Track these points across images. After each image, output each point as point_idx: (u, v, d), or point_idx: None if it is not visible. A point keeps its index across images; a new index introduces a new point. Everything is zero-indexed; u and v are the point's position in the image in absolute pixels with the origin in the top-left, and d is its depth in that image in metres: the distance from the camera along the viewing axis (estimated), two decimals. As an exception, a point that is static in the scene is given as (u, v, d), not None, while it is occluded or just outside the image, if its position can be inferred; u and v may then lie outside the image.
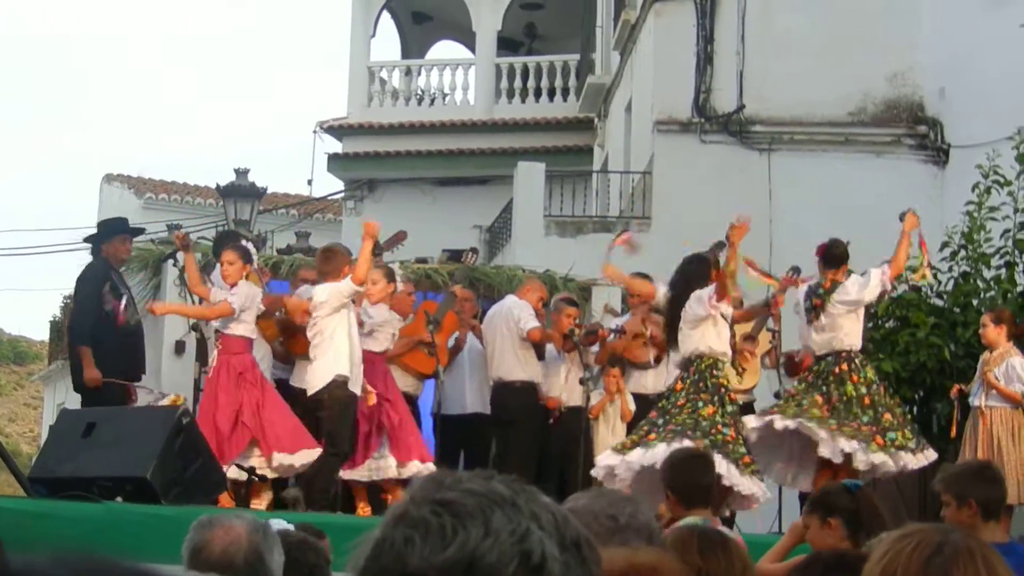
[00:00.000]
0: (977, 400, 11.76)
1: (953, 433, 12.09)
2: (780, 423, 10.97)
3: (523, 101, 27.24)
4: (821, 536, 6.12)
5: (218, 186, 20.66)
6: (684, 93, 19.25)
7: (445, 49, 30.69)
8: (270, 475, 10.81)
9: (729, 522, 10.82)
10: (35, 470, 9.54)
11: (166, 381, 13.75)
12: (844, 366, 11.24)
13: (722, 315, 10.97)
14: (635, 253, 12.19)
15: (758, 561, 6.25)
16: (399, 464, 11.16)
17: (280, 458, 10.60)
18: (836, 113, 19.07)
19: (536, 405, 12.75)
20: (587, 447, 12.26)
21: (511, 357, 12.65)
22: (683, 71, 19.28)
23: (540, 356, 12.87)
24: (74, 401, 13.13)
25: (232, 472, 10.46)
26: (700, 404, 10.77)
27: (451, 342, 13.04)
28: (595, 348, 12.91)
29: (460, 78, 27.96)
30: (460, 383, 12.99)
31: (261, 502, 10.70)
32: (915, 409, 13.91)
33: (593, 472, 10.88)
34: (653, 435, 10.62)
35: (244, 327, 10.91)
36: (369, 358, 11.07)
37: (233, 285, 10.92)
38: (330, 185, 32.56)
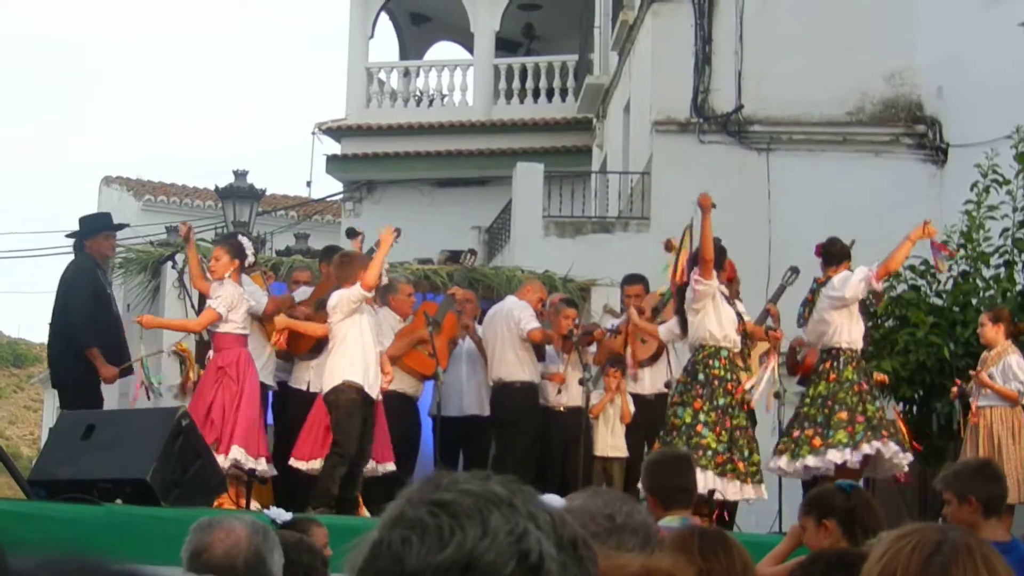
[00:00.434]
0: (975, 400, 11.77)
1: (962, 433, 12.09)
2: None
3: (521, 102, 27.24)
4: (818, 538, 6.11)
5: (217, 188, 20.66)
6: (682, 93, 19.25)
7: (443, 50, 30.69)
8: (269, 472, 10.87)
9: (728, 524, 10.86)
10: (35, 472, 9.53)
11: (165, 382, 13.73)
12: (828, 364, 11.33)
13: (722, 295, 11.06)
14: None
15: (757, 564, 6.25)
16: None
17: (236, 452, 10.61)
18: (834, 113, 19.06)
19: (536, 406, 12.76)
20: (587, 447, 12.27)
21: (511, 358, 12.66)
22: (681, 71, 19.27)
23: (540, 357, 12.88)
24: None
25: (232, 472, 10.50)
26: (680, 410, 10.96)
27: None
28: (593, 348, 12.93)
29: (458, 79, 27.96)
30: (458, 384, 12.99)
31: (260, 503, 10.72)
32: (915, 408, 13.92)
33: None
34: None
35: (232, 325, 10.96)
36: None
37: (220, 280, 11.00)
38: (329, 186, 32.62)
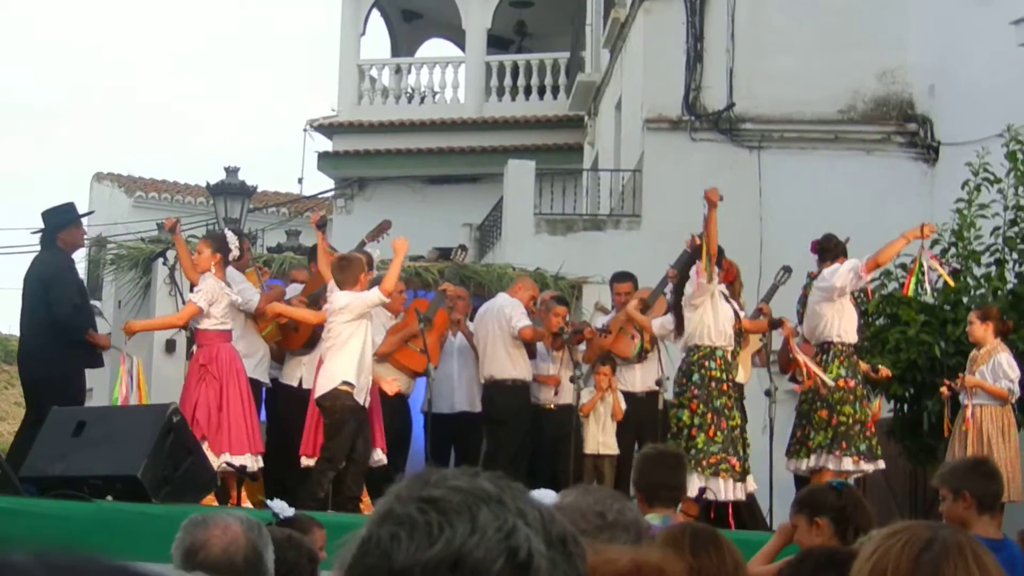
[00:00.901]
0: (965, 398, 11.78)
1: (946, 431, 12.10)
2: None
3: (513, 99, 27.23)
4: (809, 536, 6.12)
5: (208, 184, 20.65)
6: (674, 91, 19.25)
7: (435, 47, 30.69)
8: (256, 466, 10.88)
9: (726, 523, 10.86)
10: (26, 469, 9.50)
11: (157, 379, 13.74)
12: (819, 358, 11.44)
13: (721, 293, 11.07)
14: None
15: (747, 562, 6.25)
16: None
17: (225, 458, 10.62)
18: (826, 111, 19.07)
19: (527, 404, 12.77)
20: (577, 445, 12.28)
21: (503, 355, 12.65)
22: (673, 69, 19.28)
23: (532, 355, 12.88)
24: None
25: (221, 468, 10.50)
26: (680, 412, 10.98)
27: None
28: (583, 346, 12.92)
29: (450, 76, 27.96)
30: (449, 381, 12.98)
31: (250, 499, 10.71)
32: (906, 407, 13.93)
33: None
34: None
35: (213, 321, 10.95)
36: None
37: (203, 272, 11.01)
38: (320, 183, 32.54)
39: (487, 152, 26.01)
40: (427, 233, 20.92)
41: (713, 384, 11.01)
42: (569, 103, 25.99)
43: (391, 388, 11.81)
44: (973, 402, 11.67)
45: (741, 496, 11.19)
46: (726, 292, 11.40)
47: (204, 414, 10.65)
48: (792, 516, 6.42)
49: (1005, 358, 11.69)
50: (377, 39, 37.12)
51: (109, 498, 8.88)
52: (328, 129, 28.00)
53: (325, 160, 27.83)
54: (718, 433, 10.97)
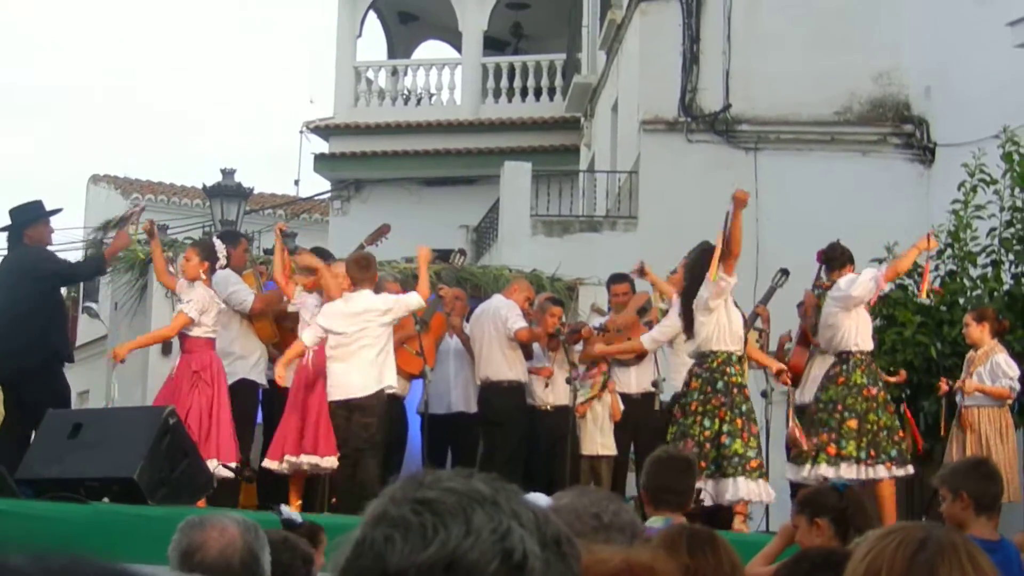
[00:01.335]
0: (962, 399, 11.77)
1: (943, 431, 12.09)
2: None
3: (509, 101, 27.24)
4: (810, 537, 6.12)
5: (205, 186, 20.64)
6: (670, 92, 19.26)
7: (431, 49, 30.68)
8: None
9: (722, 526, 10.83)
10: (22, 471, 9.49)
11: (153, 381, 13.72)
12: (838, 368, 11.26)
13: (733, 301, 11.02)
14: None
15: (748, 563, 6.24)
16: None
17: (213, 464, 10.64)
18: (822, 112, 19.08)
19: (523, 405, 12.76)
20: (574, 446, 12.27)
21: (499, 357, 12.65)
22: (669, 70, 19.29)
23: (528, 356, 12.87)
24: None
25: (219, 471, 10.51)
26: (707, 421, 10.80)
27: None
28: (579, 347, 12.92)
29: (446, 78, 27.96)
30: (445, 382, 12.98)
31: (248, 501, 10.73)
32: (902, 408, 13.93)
33: None
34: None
35: (203, 329, 10.97)
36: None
37: (191, 280, 11.00)
38: (317, 185, 32.60)
39: (483, 154, 26.01)
40: (423, 235, 20.85)
41: (736, 390, 10.88)
42: (565, 105, 25.99)
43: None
44: (970, 403, 11.66)
45: (771, 499, 11.19)
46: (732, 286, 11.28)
47: (196, 420, 10.66)
48: (793, 517, 6.42)
49: (1003, 358, 11.68)
50: (373, 41, 37.15)
51: (105, 500, 8.87)
52: (324, 131, 28.00)
53: (321, 162, 27.82)
54: (751, 438, 10.89)
